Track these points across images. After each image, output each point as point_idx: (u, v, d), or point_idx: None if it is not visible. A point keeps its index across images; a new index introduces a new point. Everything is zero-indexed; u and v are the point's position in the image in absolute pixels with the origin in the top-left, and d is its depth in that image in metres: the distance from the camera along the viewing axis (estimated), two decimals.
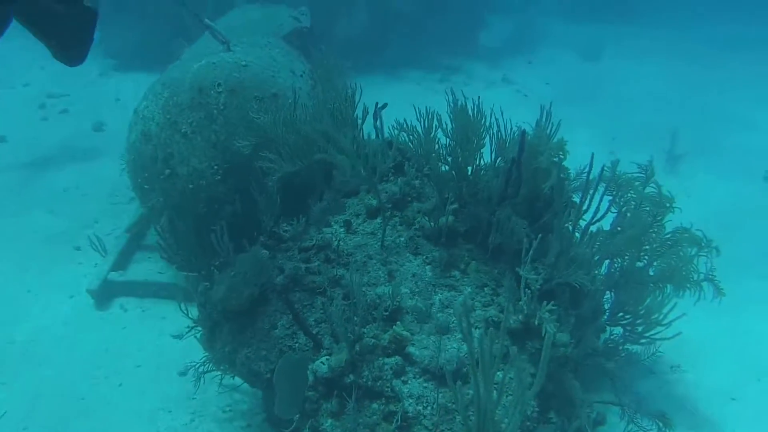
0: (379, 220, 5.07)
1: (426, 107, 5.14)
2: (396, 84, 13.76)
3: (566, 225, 5.02)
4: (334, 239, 4.99)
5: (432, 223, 4.92)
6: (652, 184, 5.40)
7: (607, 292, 5.67)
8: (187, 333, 5.24)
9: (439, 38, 15.24)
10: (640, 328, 5.65)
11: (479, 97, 5.05)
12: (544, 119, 5.34)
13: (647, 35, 18.41)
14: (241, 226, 5.66)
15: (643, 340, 5.68)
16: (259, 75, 6.44)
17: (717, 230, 7.04)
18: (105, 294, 6.87)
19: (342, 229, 5.17)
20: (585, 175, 5.46)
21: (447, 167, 5.11)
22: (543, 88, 13.97)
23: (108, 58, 14.18)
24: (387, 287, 4.60)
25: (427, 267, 4.83)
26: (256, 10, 9.54)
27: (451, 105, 5.06)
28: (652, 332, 5.58)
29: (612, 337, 5.88)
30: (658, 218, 5.37)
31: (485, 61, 15.67)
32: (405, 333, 4.28)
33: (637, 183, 5.41)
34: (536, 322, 4.32)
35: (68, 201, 8.68)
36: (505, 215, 4.75)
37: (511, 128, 5.26)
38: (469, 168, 5.09)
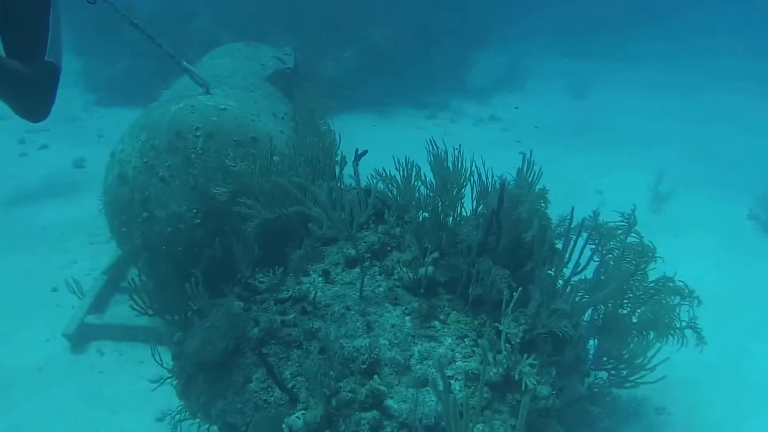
0: (358, 269, 4.99)
1: (406, 157, 5.10)
2: (384, 121, 13.83)
3: (549, 272, 4.97)
4: (311, 290, 4.89)
5: (411, 274, 4.84)
6: (634, 234, 5.35)
7: (591, 338, 5.62)
8: (162, 382, 5.12)
9: (428, 76, 15.34)
10: (624, 372, 5.61)
11: (460, 145, 5.01)
12: (525, 168, 5.31)
13: (637, 68, 18.55)
14: (221, 270, 5.57)
15: (628, 384, 5.64)
16: (239, 119, 6.39)
17: (700, 270, 7.01)
18: (81, 338, 6.77)
19: (320, 279, 5.08)
20: (567, 222, 5.45)
21: (427, 215, 5.06)
22: (531, 126, 14.03)
23: (91, 92, 14.19)
24: (365, 339, 4.52)
25: (407, 317, 4.75)
26: (240, 49, 9.52)
27: (432, 154, 5.01)
28: (637, 376, 5.55)
29: (597, 381, 5.81)
30: (641, 266, 5.32)
31: (474, 98, 15.76)
32: (382, 387, 4.19)
33: (619, 231, 5.36)
34: (516, 377, 4.25)
35: (47, 240, 8.58)
36: (485, 267, 4.69)
37: (493, 176, 5.24)
38: (450, 218, 5.04)
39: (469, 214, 5.33)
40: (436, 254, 4.97)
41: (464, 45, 16.57)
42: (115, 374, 6.40)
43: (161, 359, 4.92)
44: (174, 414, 5.23)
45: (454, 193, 4.88)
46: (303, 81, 9.93)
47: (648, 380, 5.48)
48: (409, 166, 5.12)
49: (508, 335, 4.32)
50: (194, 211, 6.11)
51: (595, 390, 5.75)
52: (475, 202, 5.32)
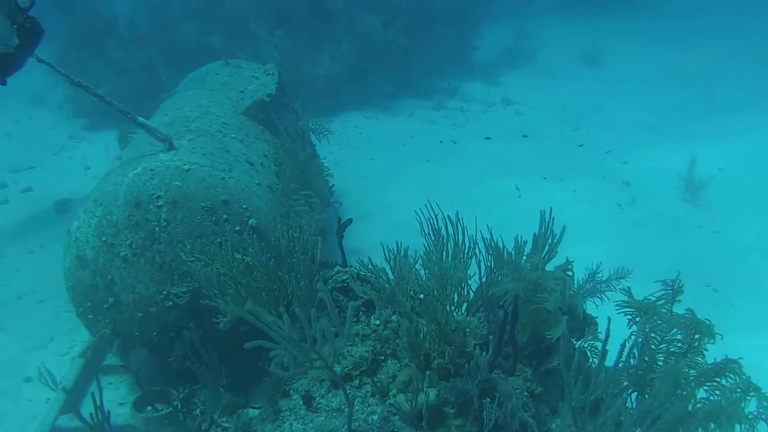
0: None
1: (398, 243, 4.18)
2: (387, 118, 12.81)
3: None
4: None
5: (410, 403, 3.84)
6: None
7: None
8: None
9: (432, 61, 14.40)
10: None
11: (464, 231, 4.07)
12: (544, 229, 4.43)
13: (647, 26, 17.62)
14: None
15: None
16: (206, 179, 5.55)
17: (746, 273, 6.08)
18: None
19: (302, 404, 4.13)
20: (597, 277, 4.62)
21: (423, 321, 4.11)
22: (548, 108, 13.09)
23: (78, 117, 13.50)
24: None
25: None
26: (218, 73, 8.49)
27: (428, 246, 4.06)
28: None
29: None
30: (695, 344, 4.37)
31: (482, 78, 14.86)
32: None
33: (661, 302, 4.39)
34: None
35: (23, 312, 7.70)
36: (504, 391, 3.73)
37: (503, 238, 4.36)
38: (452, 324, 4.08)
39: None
40: (440, 360, 4.04)
41: (467, 21, 15.49)
42: None
43: None
44: None
45: (454, 297, 3.89)
46: (290, 100, 8.96)
47: None
48: (403, 253, 4.19)
49: None
50: (165, 292, 5.40)
51: None
52: (484, 277, 4.43)
